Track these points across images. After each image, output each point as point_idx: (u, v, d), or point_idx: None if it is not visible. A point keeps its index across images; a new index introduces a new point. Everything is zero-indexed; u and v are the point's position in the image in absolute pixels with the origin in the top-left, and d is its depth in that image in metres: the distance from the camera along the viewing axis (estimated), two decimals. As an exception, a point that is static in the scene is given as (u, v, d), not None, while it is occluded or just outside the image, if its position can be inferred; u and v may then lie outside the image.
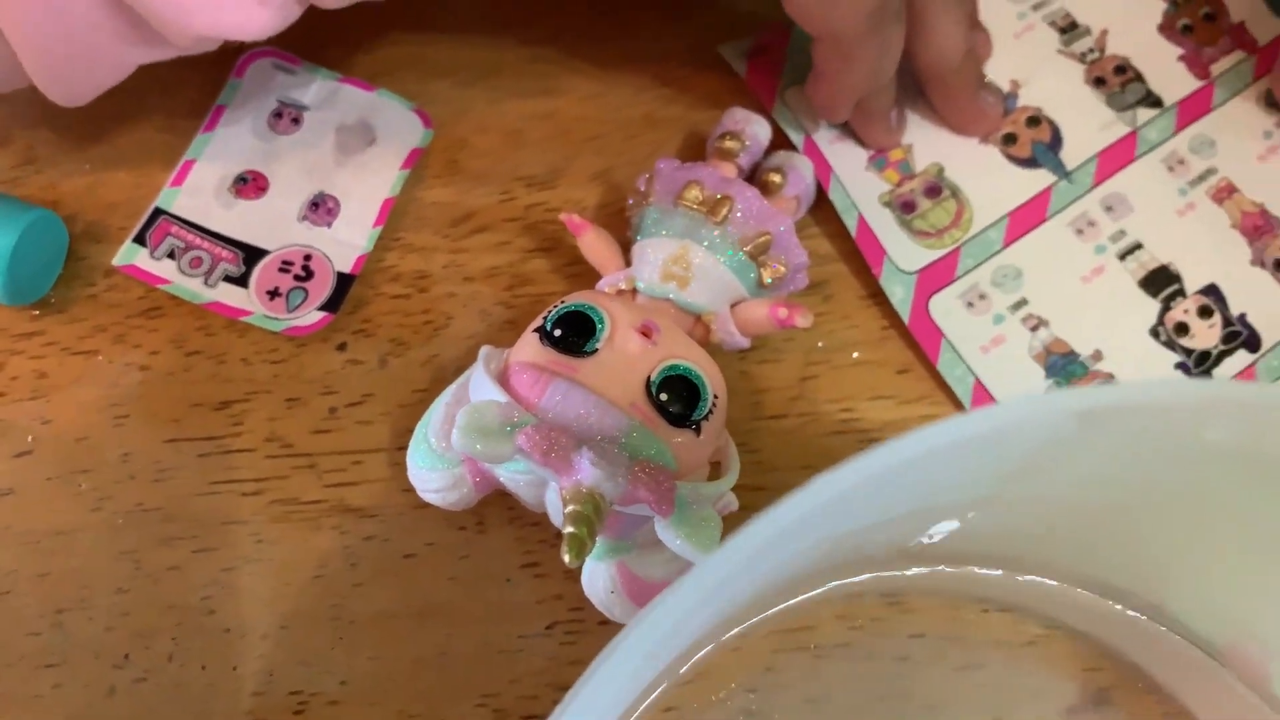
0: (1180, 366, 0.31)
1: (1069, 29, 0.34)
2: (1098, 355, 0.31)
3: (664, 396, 0.24)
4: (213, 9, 0.25)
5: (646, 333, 0.25)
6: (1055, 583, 0.27)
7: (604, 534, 0.24)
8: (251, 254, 0.30)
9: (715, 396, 0.25)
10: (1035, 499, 0.23)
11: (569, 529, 0.21)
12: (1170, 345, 0.31)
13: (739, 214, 0.27)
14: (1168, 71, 0.34)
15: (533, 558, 0.28)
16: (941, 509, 0.23)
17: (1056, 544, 0.26)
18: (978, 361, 0.30)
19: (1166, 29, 0.35)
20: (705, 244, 0.27)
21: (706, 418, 0.25)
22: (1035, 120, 0.33)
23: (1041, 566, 0.27)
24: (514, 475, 0.25)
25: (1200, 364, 0.31)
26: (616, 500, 0.23)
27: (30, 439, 0.29)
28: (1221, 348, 0.31)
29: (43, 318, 0.30)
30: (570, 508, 0.22)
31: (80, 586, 0.27)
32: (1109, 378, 0.30)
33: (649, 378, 0.25)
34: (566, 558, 0.21)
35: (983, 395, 0.30)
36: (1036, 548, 0.26)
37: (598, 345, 0.25)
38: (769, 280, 0.27)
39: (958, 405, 0.30)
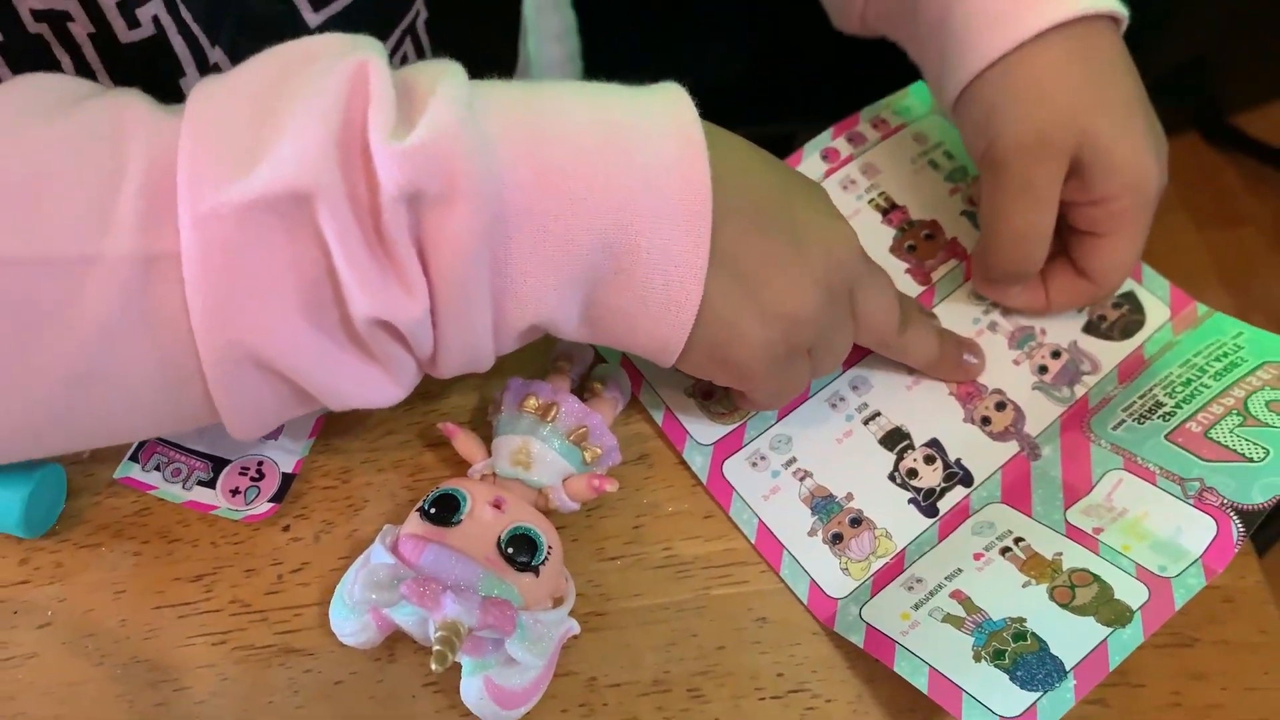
0: (912, 501, 0.41)
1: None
2: (850, 496, 0.41)
3: (511, 550, 0.35)
4: (363, 391, 0.33)
5: (498, 505, 0.36)
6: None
7: (471, 654, 0.34)
8: (217, 463, 0.41)
9: (550, 547, 0.35)
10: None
11: (436, 646, 0.31)
12: (904, 486, 0.42)
13: (563, 414, 0.38)
14: (898, 281, 0.46)
15: (431, 678, 0.37)
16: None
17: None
18: (760, 506, 0.41)
19: (896, 250, 0.47)
20: (540, 438, 0.38)
21: (544, 563, 0.35)
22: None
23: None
24: (405, 618, 0.35)
25: (927, 498, 0.41)
26: (474, 627, 0.32)
27: (50, 614, 0.38)
28: (943, 485, 0.42)
29: (59, 521, 0.40)
30: (438, 633, 0.32)
31: (88, 725, 0.37)
32: (859, 512, 0.41)
33: (500, 537, 0.35)
34: (434, 665, 0.31)
35: (764, 531, 0.40)
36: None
37: (461, 517, 0.35)
38: (589, 459, 0.38)
39: (746, 539, 0.40)
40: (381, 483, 0.41)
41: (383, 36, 0.45)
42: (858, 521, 0.41)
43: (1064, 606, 0.37)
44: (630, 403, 0.43)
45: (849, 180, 0.48)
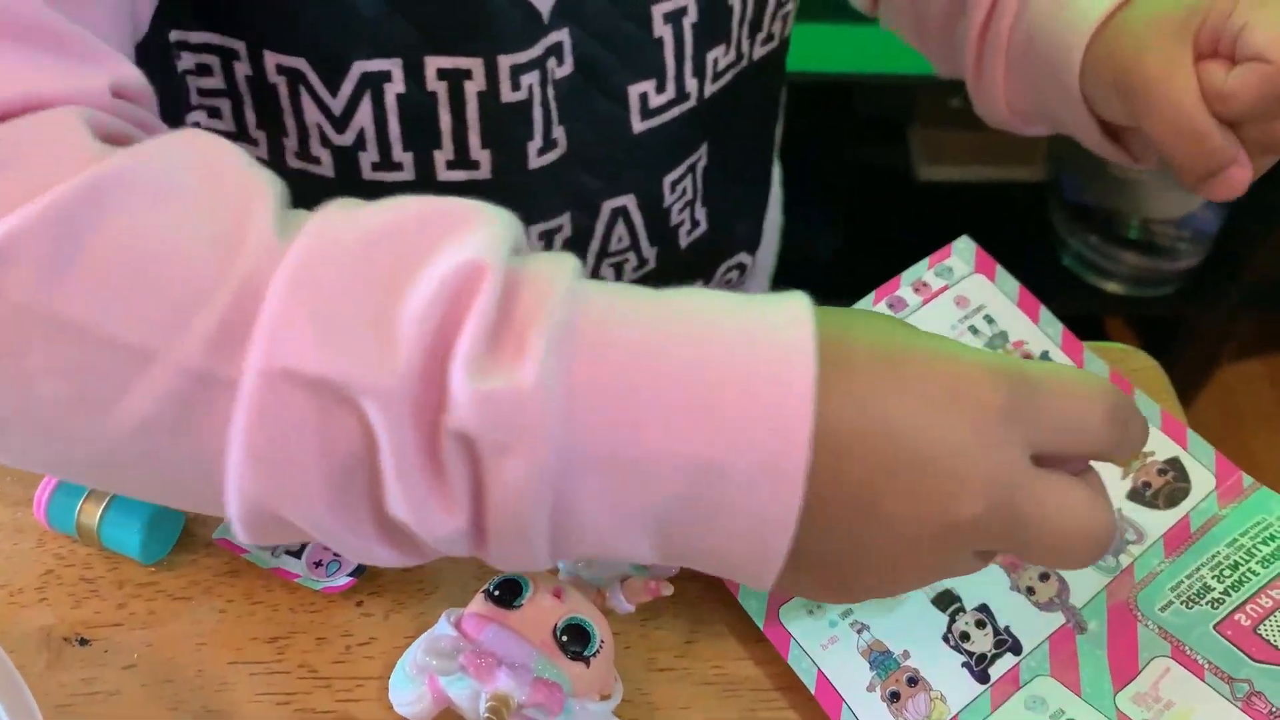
0: (965, 665, 0.42)
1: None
2: (906, 654, 0.42)
3: (565, 638, 0.37)
4: (391, 560, 0.33)
5: (557, 594, 0.38)
6: None
7: (517, 733, 0.36)
8: (308, 536, 0.44)
9: (602, 641, 0.37)
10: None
11: (486, 715, 0.33)
12: (957, 648, 0.42)
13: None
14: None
15: (473, 762, 0.38)
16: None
17: None
18: (819, 655, 0.41)
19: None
20: (607, 542, 0.40)
21: (595, 654, 0.37)
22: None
23: None
24: (459, 692, 0.36)
25: (979, 664, 0.42)
26: (523, 703, 0.34)
27: (135, 656, 0.41)
28: (994, 651, 0.42)
29: (158, 572, 0.44)
30: (489, 703, 0.33)
31: (149, 766, 0.38)
32: (915, 671, 0.41)
33: (556, 624, 0.37)
34: (483, 736, 0.32)
35: (824, 681, 0.41)
36: None
37: (523, 602, 0.37)
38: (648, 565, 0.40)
39: (806, 691, 0.40)
40: (453, 571, 0.44)
41: (676, 163, 0.53)
42: (914, 681, 0.41)
43: (1113, 800, 0.36)
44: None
45: (911, 349, 0.51)
